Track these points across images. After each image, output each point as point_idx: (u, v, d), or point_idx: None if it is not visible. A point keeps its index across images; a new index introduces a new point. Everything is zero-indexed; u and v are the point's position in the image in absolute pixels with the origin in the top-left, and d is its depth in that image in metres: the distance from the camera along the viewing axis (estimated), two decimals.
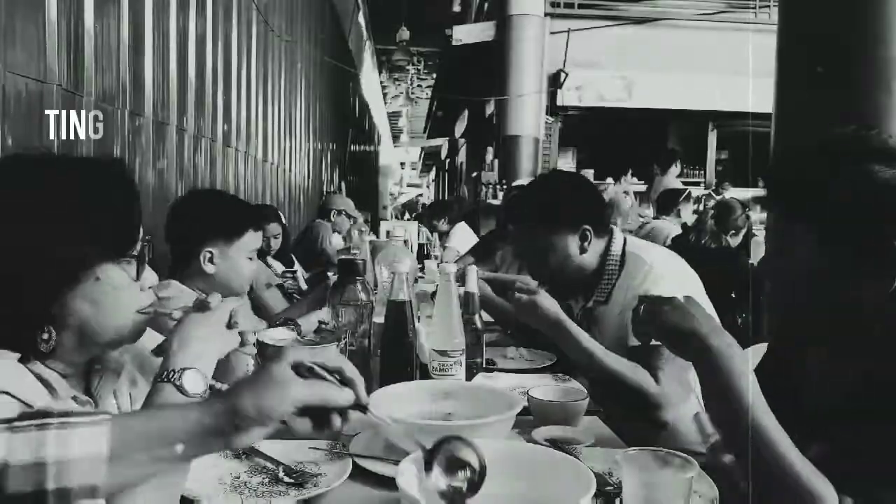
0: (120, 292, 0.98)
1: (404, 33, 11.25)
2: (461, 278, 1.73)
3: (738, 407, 0.92)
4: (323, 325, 1.73)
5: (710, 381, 0.96)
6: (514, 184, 6.15)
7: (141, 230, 1.02)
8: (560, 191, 1.90)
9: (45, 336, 0.94)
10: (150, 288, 1.04)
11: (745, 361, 0.96)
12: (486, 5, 10.07)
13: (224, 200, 2.01)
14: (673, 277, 1.75)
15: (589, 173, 7.42)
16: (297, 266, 3.91)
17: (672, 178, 6.18)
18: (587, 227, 1.81)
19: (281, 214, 4.13)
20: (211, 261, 1.82)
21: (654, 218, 5.10)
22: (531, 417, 1.36)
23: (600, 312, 1.83)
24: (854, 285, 0.99)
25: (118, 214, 1.00)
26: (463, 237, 5.18)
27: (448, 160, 17.51)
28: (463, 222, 5.68)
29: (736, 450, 0.93)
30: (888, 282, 0.97)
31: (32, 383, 0.93)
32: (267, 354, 1.42)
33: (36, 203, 0.94)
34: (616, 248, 1.84)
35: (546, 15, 8.16)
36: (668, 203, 5.05)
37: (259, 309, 2.74)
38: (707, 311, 1.01)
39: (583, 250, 1.82)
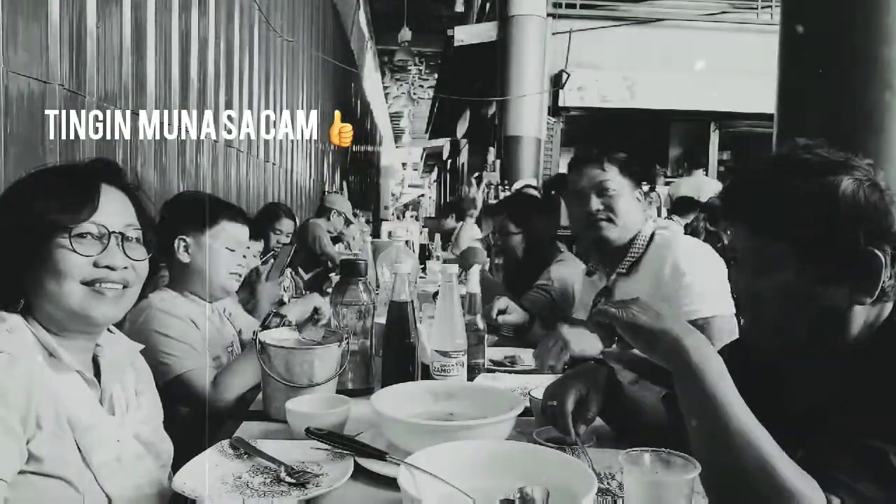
0: (58, 261, 1.07)
1: (406, 34, 11.24)
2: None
3: (718, 409, 0.90)
4: (318, 314, 1.73)
5: (685, 382, 0.94)
6: (514, 186, 6.18)
7: (95, 209, 1.10)
8: (632, 148, 2.07)
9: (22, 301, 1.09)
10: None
11: (720, 362, 0.94)
12: (487, 6, 10.07)
13: (200, 196, 2.04)
14: (700, 259, 1.82)
15: None
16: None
17: (691, 182, 6.40)
18: (646, 188, 1.99)
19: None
20: (186, 250, 1.83)
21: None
22: (533, 418, 1.36)
23: (622, 285, 1.93)
24: (839, 297, 0.98)
25: (62, 185, 1.11)
26: (471, 235, 5.22)
27: (450, 161, 17.51)
28: (472, 221, 5.72)
29: (715, 454, 0.90)
30: (871, 288, 0.96)
31: (32, 345, 1.06)
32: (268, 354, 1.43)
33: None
34: (647, 229, 1.95)
35: (548, 15, 8.16)
36: (684, 208, 5.21)
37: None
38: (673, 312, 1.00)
39: (638, 202, 1.96)
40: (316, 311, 1.77)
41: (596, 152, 1.98)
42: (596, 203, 1.93)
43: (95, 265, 1.09)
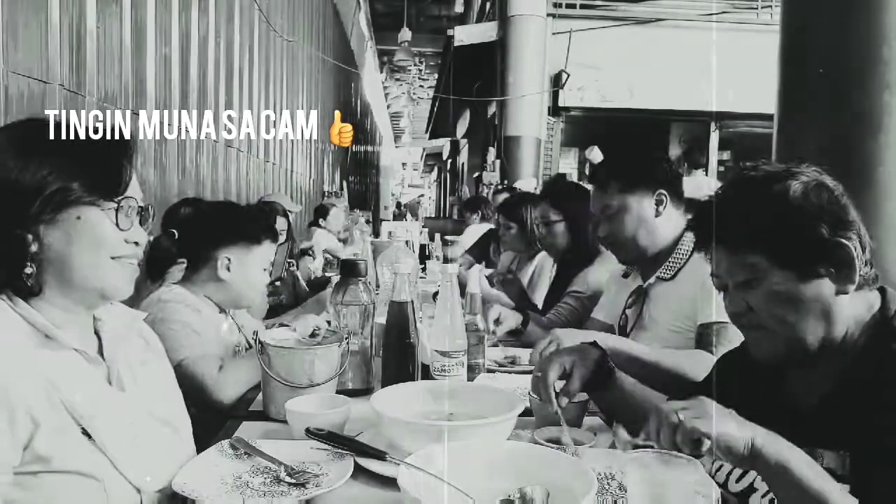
0: (98, 235, 1.02)
1: (406, 34, 11.25)
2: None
3: (814, 496, 0.87)
4: (317, 332, 1.71)
5: (774, 481, 0.91)
6: (514, 186, 6.16)
7: (133, 186, 1.06)
8: (634, 153, 2.04)
9: (28, 271, 0.99)
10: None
11: (795, 449, 0.90)
12: (487, 6, 10.07)
13: (243, 210, 2.02)
14: None
15: None
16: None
17: (691, 182, 6.40)
18: (662, 191, 1.84)
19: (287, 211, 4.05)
20: (227, 268, 1.81)
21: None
22: (533, 418, 1.36)
23: (662, 289, 1.83)
24: (824, 289, 1.01)
25: (103, 156, 1.05)
26: (476, 235, 5.16)
27: (450, 161, 17.52)
28: (484, 222, 5.66)
29: None
30: (851, 275, 1.00)
31: (19, 324, 0.99)
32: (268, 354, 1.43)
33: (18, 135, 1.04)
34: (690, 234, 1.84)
35: (548, 15, 8.16)
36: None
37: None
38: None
39: (658, 214, 1.85)
40: (317, 328, 1.76)
41: (598, 172, 1.90)
42: (603, 229, 1.88)
43: (125, 241, 1.06)
